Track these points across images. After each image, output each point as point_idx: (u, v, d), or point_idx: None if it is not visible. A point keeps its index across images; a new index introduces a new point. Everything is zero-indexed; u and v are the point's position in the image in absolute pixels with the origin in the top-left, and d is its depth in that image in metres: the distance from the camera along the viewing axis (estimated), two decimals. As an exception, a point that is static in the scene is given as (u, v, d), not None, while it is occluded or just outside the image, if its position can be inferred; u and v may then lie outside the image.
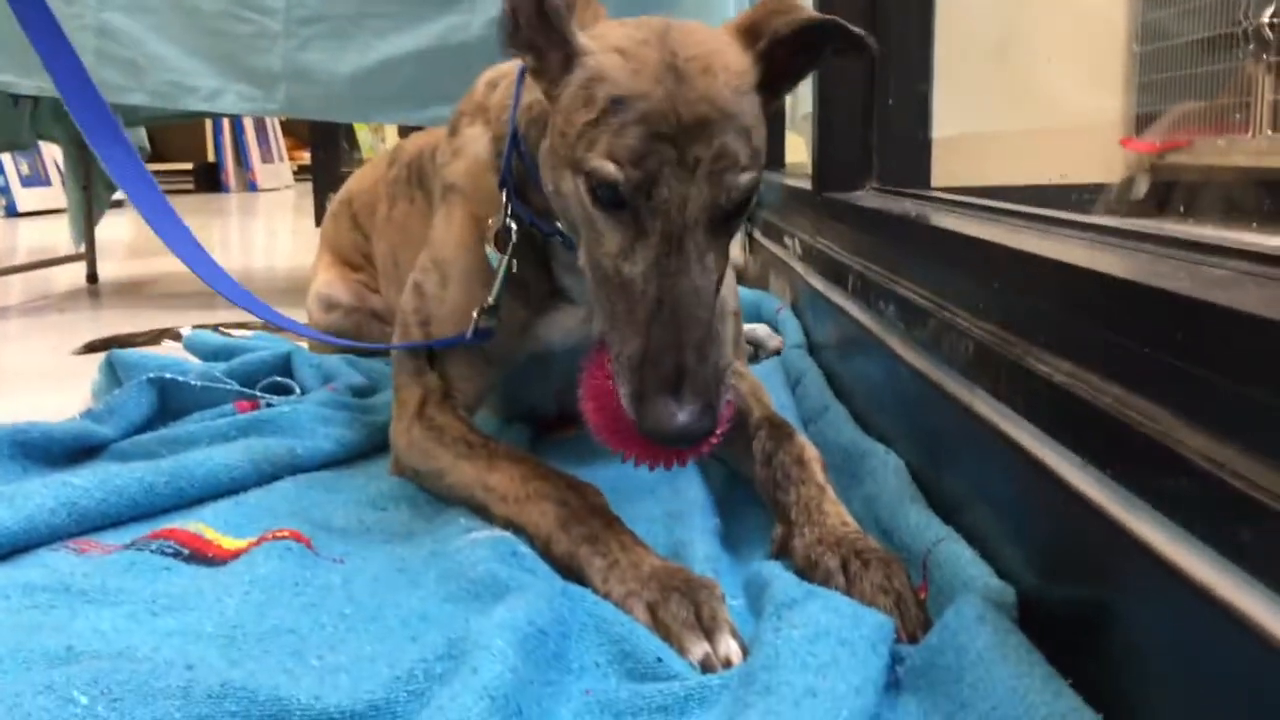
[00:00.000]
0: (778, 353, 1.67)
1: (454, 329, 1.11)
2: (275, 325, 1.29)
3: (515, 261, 1.08)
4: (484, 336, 1.10)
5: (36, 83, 2.30)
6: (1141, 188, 2.10)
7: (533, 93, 1.01)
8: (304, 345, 1.74)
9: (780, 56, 0.92)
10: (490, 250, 1.09)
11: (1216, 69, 1.88)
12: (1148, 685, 0.57)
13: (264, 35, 2.31)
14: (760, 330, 1.74)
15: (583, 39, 0.90)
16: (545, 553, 0.90)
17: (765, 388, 1.16)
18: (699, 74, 0.86)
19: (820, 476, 0.95)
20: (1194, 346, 0.54)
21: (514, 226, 1.07)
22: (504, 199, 1.08)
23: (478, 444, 1.05)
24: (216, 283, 1.21)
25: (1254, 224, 1.67)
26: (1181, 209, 1.90)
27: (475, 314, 1.09)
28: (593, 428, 0.89)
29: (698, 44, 0.88)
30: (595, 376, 0.88)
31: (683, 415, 0.79)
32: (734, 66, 0.89)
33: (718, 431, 0.84)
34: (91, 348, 2.00)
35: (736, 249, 2.52)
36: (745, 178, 0.86)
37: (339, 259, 1.81)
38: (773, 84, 0.93)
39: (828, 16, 0.94)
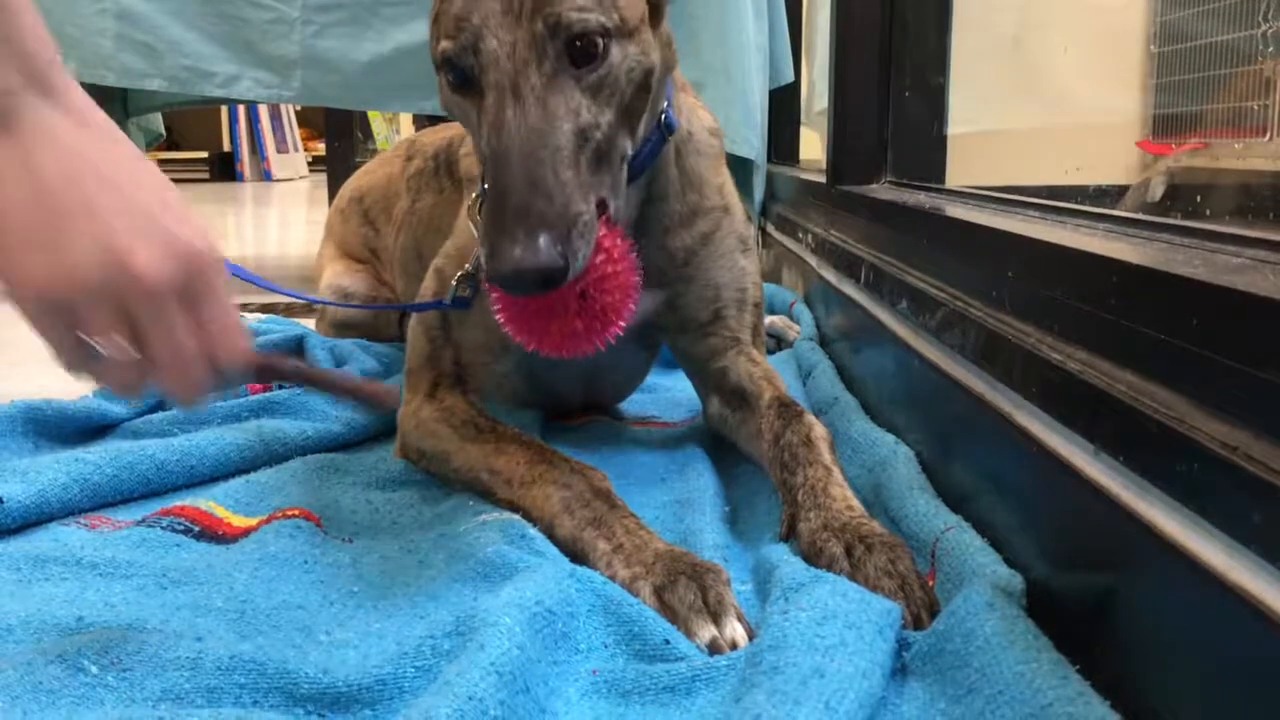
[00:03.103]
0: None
1: (471, 314, 1.11)
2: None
3: None
4: (463, 304, 1.09)
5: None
6: (1158, 190, 2.09)
7: None
8: (314, 328, 1.74)
9: None
10: (471, 224, 1.08)
11: (1235, 71, 1.87)
12: (1156, 671, 0.57)
13: (281, 22, 2.31)
14: (779, 322, 1.74)
15: None
16: (549, 537, 0.90)
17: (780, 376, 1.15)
18: None
19: (827, 457, 0.94)
20: (1209, 332, 0.54)
21: None
22: (480, 169, 1.07)
23: (486, 428, 1.05)
24: None
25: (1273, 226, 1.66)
26: (1198, 211, 1.89)
27: (454, 280, 1.09)
28: (503, 322, 0.90)
29: None
30: None
31: (521, 251, 0.76)
32: None
33: (577, 272, 0.80)
34: None
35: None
36: (579, 14, 0.84)
37: (343, 253, 1.81)
38: None
39: None
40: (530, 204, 0.78)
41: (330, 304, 1.69)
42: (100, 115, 0.63)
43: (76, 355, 0.63)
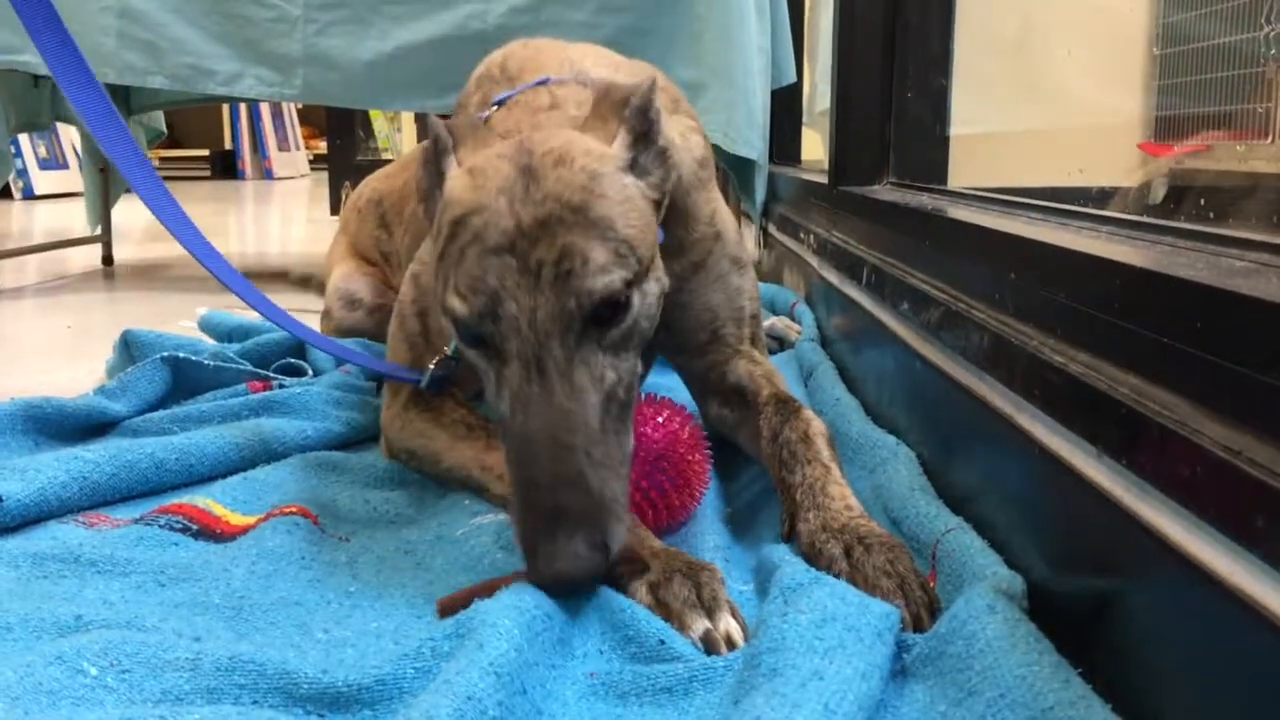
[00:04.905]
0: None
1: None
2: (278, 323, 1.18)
3: None
4: (439, 384, 1.08)
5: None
6: (1160, 192, 2.09)
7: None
8: (318, 328, 1.74)
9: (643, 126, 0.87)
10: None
11: (1237, 74, 1.87)
12: (1157, 674, 0.57)
13: (283, 20, 2.31)
14: (780, 323, 1.74)
15: (452, 168, 0.87)
16: None
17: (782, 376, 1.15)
18: (552, 167, 0.80)
19: (826, 454, 0.93)
20: (1212, 335, 0.54)
21: None
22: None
23: (476, 426, 1.05)
24: (222, 274, 1.16)
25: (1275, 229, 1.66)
26: (1200, 213, 1.89)
27: (432, 364, 1.07)
28: None
29: (558, 137, 0.83)
30: None
31: (561, 562, 0.72)
32: (595, 150, 0.83)
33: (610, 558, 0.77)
34: None
35: (750, 243, 2.51)
36: (603, 279, 0.78)
37: (355, 251, 1.80)
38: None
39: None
40: (564, 504, 0.73)
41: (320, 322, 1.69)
42: None
43: None
